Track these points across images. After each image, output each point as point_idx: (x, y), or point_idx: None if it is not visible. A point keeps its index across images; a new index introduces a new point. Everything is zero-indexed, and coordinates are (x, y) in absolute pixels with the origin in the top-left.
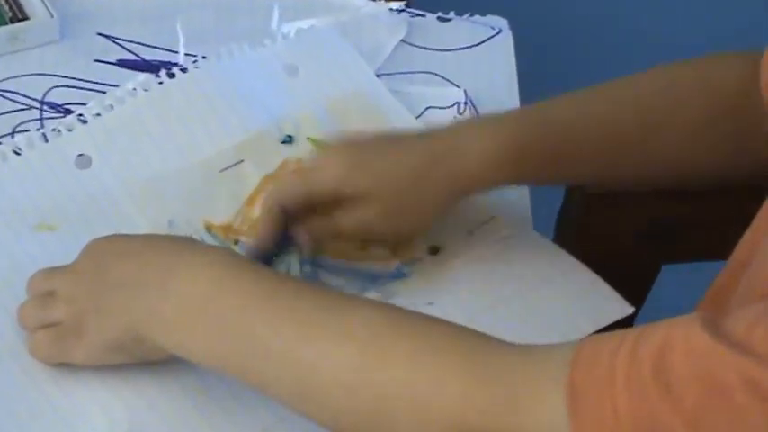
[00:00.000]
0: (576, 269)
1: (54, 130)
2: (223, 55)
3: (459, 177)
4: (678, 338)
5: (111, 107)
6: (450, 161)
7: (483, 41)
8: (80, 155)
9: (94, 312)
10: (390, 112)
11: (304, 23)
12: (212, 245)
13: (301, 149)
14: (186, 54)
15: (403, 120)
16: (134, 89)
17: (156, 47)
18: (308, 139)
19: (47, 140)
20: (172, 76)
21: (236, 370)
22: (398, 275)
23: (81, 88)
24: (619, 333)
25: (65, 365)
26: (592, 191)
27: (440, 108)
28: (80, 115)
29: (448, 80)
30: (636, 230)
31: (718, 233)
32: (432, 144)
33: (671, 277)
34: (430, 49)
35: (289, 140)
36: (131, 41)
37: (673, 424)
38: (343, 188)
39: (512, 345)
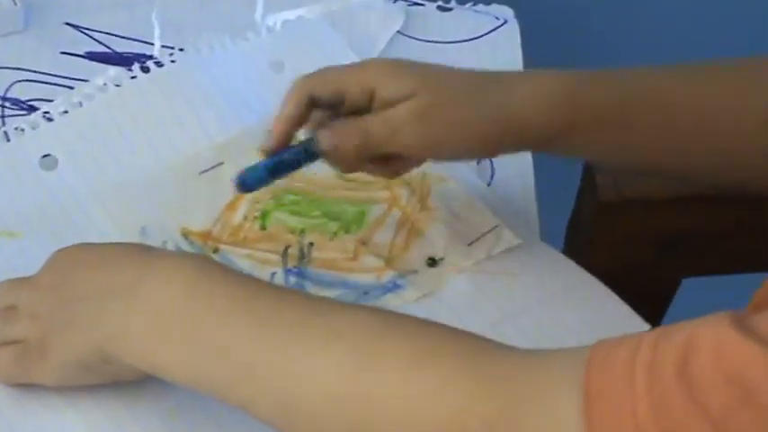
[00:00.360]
0: (588, 283)
1: (17, 128)
2: (202, 48)
3: (511, 110)
4: (705, 338)
5: (80, 104)
6: (504, 90)
7: (487, 33)
8: (45, 155)
9: (59, 329)
10: None
11: (291, 14)
12: (187, 252)
13: None
14: (162, 46)
15: None
16: (104, 84)
17: (128, 38)
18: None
19: (9, 140)
20: (146, 70)
21: (213, 386)
22: (392, 288)
23: (46, 83)
24: (636, 335)
25: (28, 387)
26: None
27: None
28: (46, 112)
29: None
30: (654, 241)
31: (742, 244)
32: (485, 74)
33: (691, 293)
34: (429, 41)
35: None
36: (102, 32)
37: (697, 428)
38: (383, 87)
39: (516, 348)
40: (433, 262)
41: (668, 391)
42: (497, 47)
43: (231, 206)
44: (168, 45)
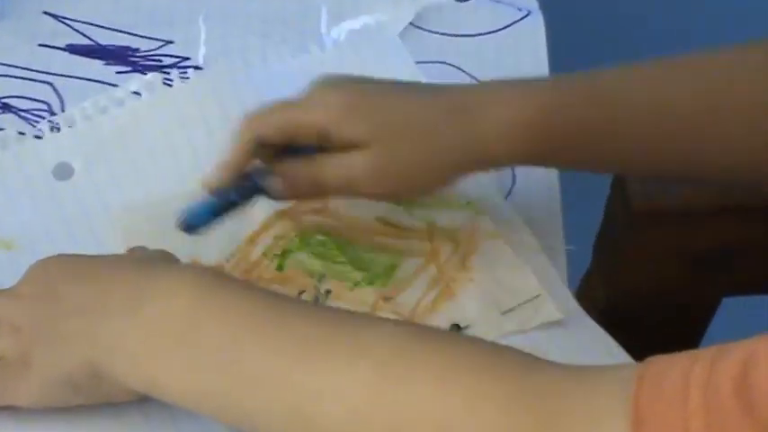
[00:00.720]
0: None
1: (39, 128)
2: (253, 59)
3: (476, 143)
4: (764, 353)
5: (106, 109)
6: (467, 121)
7: (508, 25)
8: (61, 162)
9: (43, 344)
10: None
11: (356, 23)
12: (189, 265)
13: None
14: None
15: None
16: (135, 92)
17: (113, 29)
18: None
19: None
20: (184, 77)
21: (219, 409)
22: None
23: (23, 78)
24: (691, 352)
25: (7, 409)
26: (631, 186)
27: None
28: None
29: (466, 72)
30: (692, 256)
31: None
32: (449, 99)
33: (732, 313)
34: (445, 34)
35: None
36: (84, 22)
37: None
38: (337, 130)
39: (555, 363)
40: (457, 329)
41: (724, 406)
42: (520, 40)
43: (251, 240)
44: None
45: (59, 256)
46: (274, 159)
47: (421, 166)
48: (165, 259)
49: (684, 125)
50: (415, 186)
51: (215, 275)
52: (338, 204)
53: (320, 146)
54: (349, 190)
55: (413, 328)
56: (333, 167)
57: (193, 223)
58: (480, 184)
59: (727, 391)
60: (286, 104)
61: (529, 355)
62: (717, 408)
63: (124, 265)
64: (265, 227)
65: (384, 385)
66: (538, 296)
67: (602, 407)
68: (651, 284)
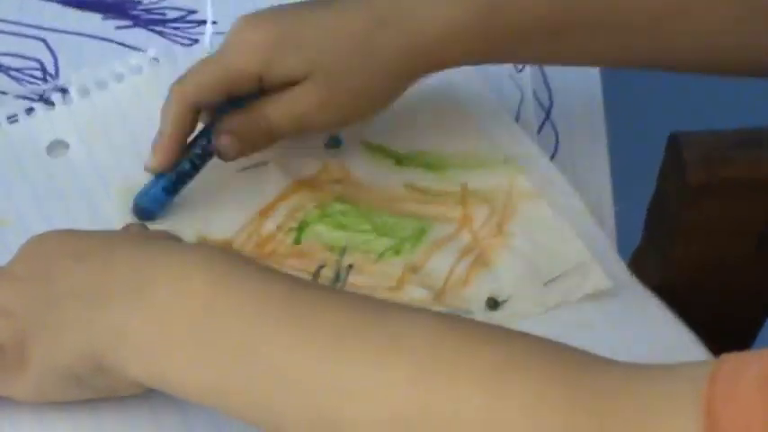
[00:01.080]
0: (688, 344)
1: (29, 108)
2: None
3: (415, 48)
4: None
5: (105, 84)
6: (401, 27)
7: None
8: (55, 140)
9: (42, 331)
10: (484, 109)
11: None
12: (201, 244)
13: (350, 154)
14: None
15: (501, 122)
16: (137, 64)
17: None
18: (363, 143)
19: (15, 120)
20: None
21: (237, 405)
22: None
23: (11, 33)
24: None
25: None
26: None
27: None
28: (63, 90)
29: None
30: (756, 230)
31: None
32: (376, 10)
33: None
34: None
35: (335, 144)
36: None
37: None
38: (271, 72)
39: (619, 362)
40: (494, 304)
41: None
42: None
43: (265, 211)
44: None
45: (54, 232)
46: (216, 117)
47: (365, 86)
48: (167, 237)
49: (648, 19)
50: (365, 107)
51: (228, 256)
52: (361, 173)
53: (260, 90)
54: (300, 127)
55: (454, 322)
56: (278, 109)
57: (150, 208)
58: (519, 140)
59: None
60: (212, 60)
61: (586, 352)
62: None
63: (124, 243)
64: (280, 198)
65: (427, 389)
66: (585, 263)
67: (671, 408)
68: (710, 261)
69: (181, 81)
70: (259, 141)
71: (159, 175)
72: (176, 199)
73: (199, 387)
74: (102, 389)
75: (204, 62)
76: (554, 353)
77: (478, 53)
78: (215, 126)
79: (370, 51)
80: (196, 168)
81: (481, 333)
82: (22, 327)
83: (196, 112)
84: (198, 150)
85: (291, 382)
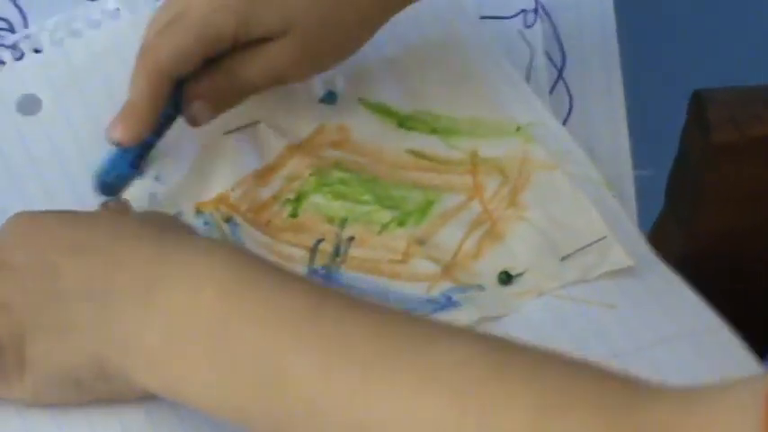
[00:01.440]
0: (712, 327)
1: None
2: None
3: None
4: None
5: (79, 33)
6: None
7: None
8: (26, 95)
9: (41, 329)
10: (494, 70)
11: None
12: (211, 238)
13: (347, 114)
14: None
15: (513, 85)
16: (117, 9)
17: None
18: (361, 100)
19: None
20: None
21: (258, 426)
22: (445, 306)
23: None
24: None
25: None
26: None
27: (499, 18)
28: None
29: None
30: None
31: None
32: None
33: None
34: None
35: (330, 99)
36: None
37: None
38: (247, 30)
39: (665, 386)
40: (507, 278)
41: None
42: None
43: (261, 177)
44: None
45: (47, 215)
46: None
47: (342, 36)
48: (176, 226)
49: None
50: (341, 54)
51: (246, 258)
52: (361, 136)
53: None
54: (275, 83)
55: (491, 347)
56: (253, 68)
57: (115, 183)
58: (532, 106)
59: None
60: (183, 21)
61: (631, 380)
62: None
63: (129, 236)
64: (275, 166)
65: (464, 422)
66: (604, 238)
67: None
68: (737, 228)
69: (151, 50)
70: (231, 102)
71: (121, 150)
72: (163, 170)
73: (216, 406)
74: (103, 393)
75: (173, 27)
76: (600, 385)
77: None
78: (183, 91)
79: (345, 1)
80: (159, 137)
81: (519, 359)
82: (19, 323)
83: (173, 83)
84: (162, 119)
85: (321, 412)
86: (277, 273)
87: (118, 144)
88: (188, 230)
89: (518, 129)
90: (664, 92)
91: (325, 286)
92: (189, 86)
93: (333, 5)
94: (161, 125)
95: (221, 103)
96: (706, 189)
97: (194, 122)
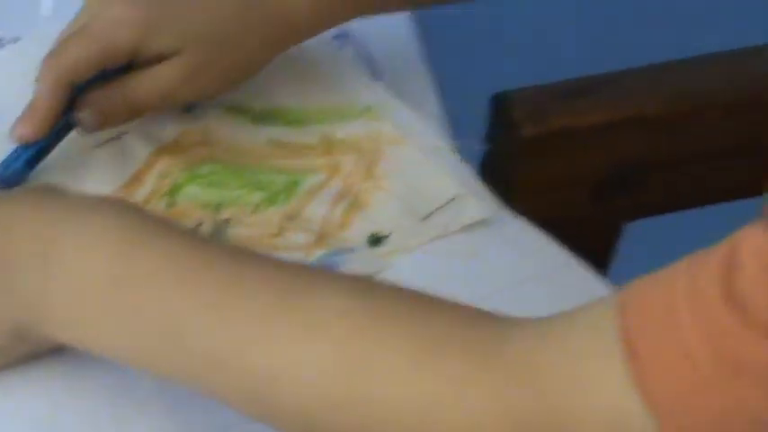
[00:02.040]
0: (566, 265)
1: None
2: None
3: (287, 21)
4: (746, 252)
5: None
6: (270, 3)
7: None
8: None
9: None
10: (338, 65)
11: None
12: (104, 196)
13: (207, 118)
14: None
15: (356, 75)
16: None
17: None
18: (218, 105)
19: None
20: None
21: (167, 374)
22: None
23: None
24: (668, 269)
25: None
26: None
27: None
28: None
29: None
30: (592, 180)
31: (694, 174)
32: None
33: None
34: None
35: (193, 109)
36: None
37: (759, 350)
38: (144, 48)
39: (527, 320)
40: (376, 240)
41: (717, 316)
42: None
43: (137, 179)
44: None
45: None
46: (77, 89)
47: (237, 61)
48: (64, 191)
49: None
50: (234, 80)
51: (135, 214)
52: (221, 133)
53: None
54: (165, 103)
55: (366, 293)
56: (143, 85)
57: (11, 180)
58: (375, 91)
59: (714, 299)
60: (85, 35)
61: (498, 319)
62: (708, 318)
63: (23, 206)
64: (146, 168)
65: (350, 370)
66: (458, 197)
67: (589, 353)
68: (546, 214)
69: (56, 55)
70: (122, 115)
71: (20, 148)
72: (35, 177)
73: (127, 356)
74: (22, 353)
75: (77, 37)
76: (472, 327)
77: (353, 10)
78: (77, 99)
79: (240, 29)
80: (56, 141)
81: (397, 310)
82: None
83: (71, 88)
84: (59, 124)
85: (220, 362)
86: (167, 228)
87: (18, 139)
88: (75, 194)
89: (367, 109)
90: (468, 96)
91: (210, 245)
92: (82, 96)
93: (231, 32)
94: (59, 131)
95: (111, 116)
96: (515, 179)
97: (83, 129)
